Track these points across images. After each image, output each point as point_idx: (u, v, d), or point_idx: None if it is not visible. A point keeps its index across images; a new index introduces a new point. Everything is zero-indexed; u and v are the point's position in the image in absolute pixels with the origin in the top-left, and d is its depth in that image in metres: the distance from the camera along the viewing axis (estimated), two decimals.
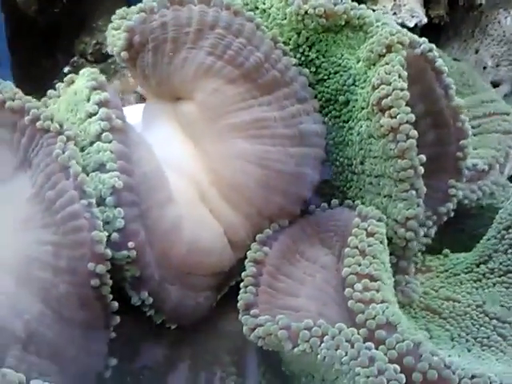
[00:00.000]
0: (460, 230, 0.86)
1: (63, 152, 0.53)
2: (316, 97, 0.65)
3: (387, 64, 0.59)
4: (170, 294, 0.59)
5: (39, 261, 0.54)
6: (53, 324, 0.54)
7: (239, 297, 0.59)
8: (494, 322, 0.67)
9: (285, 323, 0.55)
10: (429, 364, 0.52)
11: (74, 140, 0.54)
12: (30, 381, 0.50)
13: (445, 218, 0.75)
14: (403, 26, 0.88)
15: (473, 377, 0.52)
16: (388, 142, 0.59)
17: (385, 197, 0.62)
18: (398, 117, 0.58)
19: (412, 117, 0.58)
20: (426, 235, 0.74)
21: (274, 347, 0.57)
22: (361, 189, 0.66)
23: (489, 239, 0.75)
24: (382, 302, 0.55)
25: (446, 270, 0.78)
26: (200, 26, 0.61)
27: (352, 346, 0.52)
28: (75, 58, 1.00)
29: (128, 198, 0.55)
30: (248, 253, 0.62)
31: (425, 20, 0.89)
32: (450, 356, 0.57)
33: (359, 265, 0.57)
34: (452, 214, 0.76)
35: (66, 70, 1.01)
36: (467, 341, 0.64)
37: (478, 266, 0.75)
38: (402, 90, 0.58)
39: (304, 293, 0.61)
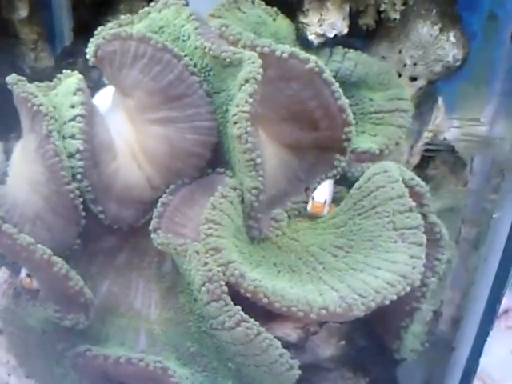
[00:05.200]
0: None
1: (47, 127, 0.95)
2: (212, 103, 1.01)
3: (242, 92, 0.93)
4: (111, 208, 1.02)
5: (41, 182, 0.99)
6: (48, 213, 0.99)
7: (151, 222, 1.01)
8: (309, 257, 1.01)
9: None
10: (231, 273, 0.91)
11: (54, 118, 0.96)
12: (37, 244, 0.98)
13: (332, 180, 1.11)
14: (325, 35, 1.16)
15: (258, 285, 0.91)
16: (238, 144, 0.94)
17: (241, 173, 0.99)
18: (239, 129, 0.93)
19: (251, 130, 0.93)
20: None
21: (168, 252, 0.99)
22: (234, 164, 1.03)
23: (342, 202, 1.09)
24: (217, 236, 0.95)
25: (320, 218, 1.13)
26: (134, 55, 0.98)
27: (198, 254, 0.94)
28: None
29: (87, 155, 0.97)
30: (160, 199, 1.03)
31: (345, 31, 1.15)
32: (256, 272, 0.96)
33: (210, 214, 0.97)
34: (337, 177, 1.11)
35: None
36: (283, 266, 1.01)
37: (331, 218, 1.08)
38: (244, 112, 0.92)
39: (190, 225, 1.01)
